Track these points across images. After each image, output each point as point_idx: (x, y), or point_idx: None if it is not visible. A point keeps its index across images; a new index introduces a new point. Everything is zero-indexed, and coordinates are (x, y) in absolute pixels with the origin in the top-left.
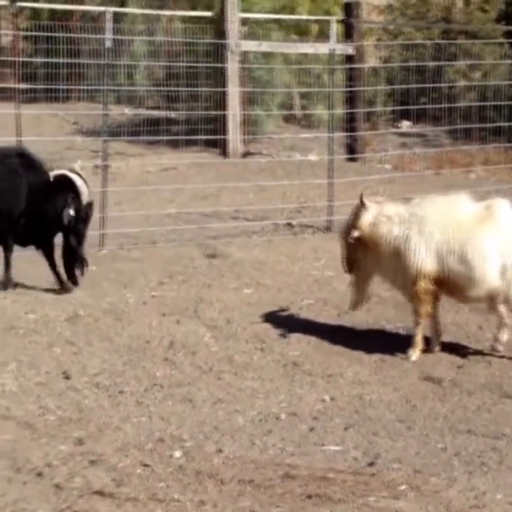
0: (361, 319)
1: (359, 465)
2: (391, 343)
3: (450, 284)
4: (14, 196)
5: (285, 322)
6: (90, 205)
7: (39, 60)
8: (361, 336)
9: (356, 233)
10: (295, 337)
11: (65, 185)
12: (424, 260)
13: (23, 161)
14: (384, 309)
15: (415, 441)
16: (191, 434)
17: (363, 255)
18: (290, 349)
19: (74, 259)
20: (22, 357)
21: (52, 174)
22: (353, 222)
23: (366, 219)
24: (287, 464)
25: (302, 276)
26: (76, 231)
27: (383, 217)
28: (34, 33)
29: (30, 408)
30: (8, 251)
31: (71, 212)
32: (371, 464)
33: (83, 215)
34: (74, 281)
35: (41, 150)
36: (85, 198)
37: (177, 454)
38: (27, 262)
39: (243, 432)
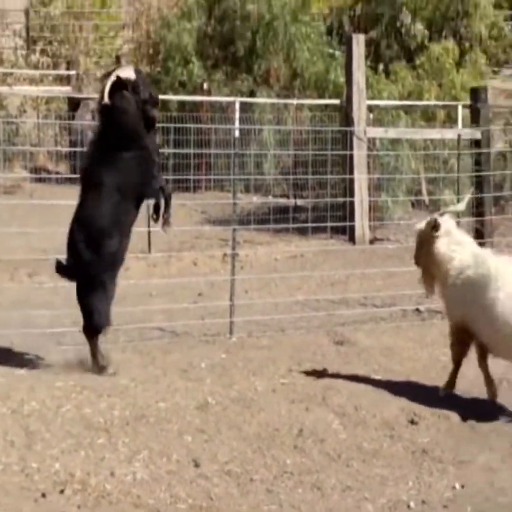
0: (491, 406)
1: None
2: None
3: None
4: None
5: (415, 408)
6: None
7: (168, 150)
8: (492, 422)
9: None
10: (424, 423)
11: None
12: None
13: None
14: None
15: None
16: None
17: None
18: (420, 436)
19: None
20: (153, 445)
21: None
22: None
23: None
24: None
25: (431, 362)
26: None
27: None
28: (163, 125)
29: (161, 496)
30: None
31: None
32: None
33: None
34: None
35: (171, 239)
36: None
37: None
38: (158, 350)
39: None
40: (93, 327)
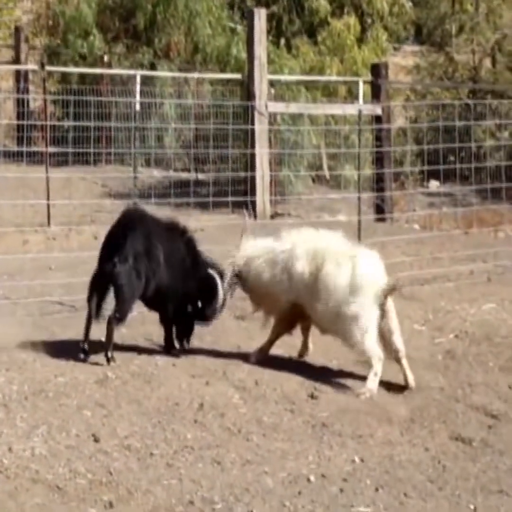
0: (391, 381)
1: None
2: (421, 404)
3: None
4: None
5: (314, 382)
6: None
7: (68, 123)
8: (391, 397)
9: None
10: (324, 398)
11: None
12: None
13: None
14: (413, 371)
15: (446, 501)
16: (221, 496)
17: None
18: (320, 410)
19: None
20: (52, 420)
21: None
22: None
23: None
24: None
25: (332, 338)
26: None
27: None
28: (63, 97)
29: (60, 471)
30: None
31: None
32: None
33: None
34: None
35: (71, 213)
36: None
37: None
38: (57, 325)
39: (273, 494)
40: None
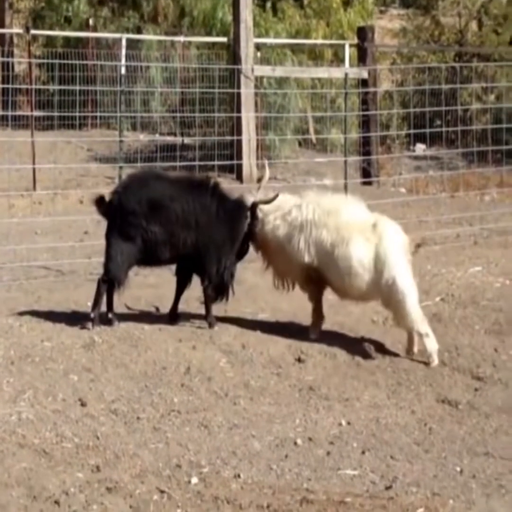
0: (377, 343)
1: (377, 489)
2: (407, 367)
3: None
4: None
5: (301, 346)
6: None
7: (53, 87)
8: (377, 360)
9: None
10: (311, 361)
11: None
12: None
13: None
14: (400, 333)
15: (432, 464)
16: (208, 460)
17: None
18: (306, 374)
19: None
20: (38, 385)
21: None
22: None
23: None
24: (305, 489)
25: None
26: None
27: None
28: (48, 61)
29: (47, 435)
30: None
31: None
32: (388, 487)
33: None
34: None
35: (57, 177)
36: None
37: (195, 480)
38: (43, 289)
39: (260, 457)
40: (105, 280)
